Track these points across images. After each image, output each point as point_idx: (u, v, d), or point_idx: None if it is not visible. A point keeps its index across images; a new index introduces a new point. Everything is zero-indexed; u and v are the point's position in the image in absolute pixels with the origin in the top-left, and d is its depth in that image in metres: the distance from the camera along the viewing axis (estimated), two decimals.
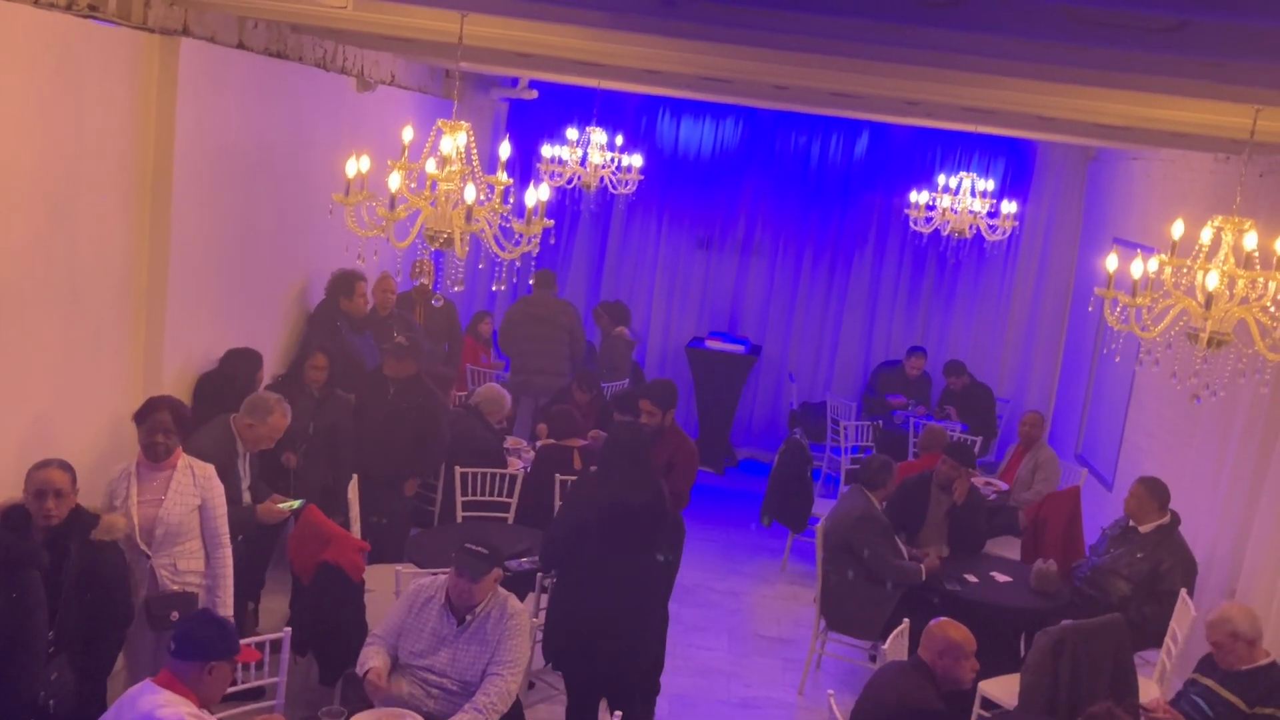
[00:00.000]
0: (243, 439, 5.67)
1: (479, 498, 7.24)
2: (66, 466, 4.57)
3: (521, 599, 5.52)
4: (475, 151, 4.62)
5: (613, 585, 5.18)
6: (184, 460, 5.11)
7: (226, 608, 5.18)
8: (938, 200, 9.24)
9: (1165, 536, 6.48)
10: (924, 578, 6.64)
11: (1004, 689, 5.94)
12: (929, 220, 9.28)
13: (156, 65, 5.67)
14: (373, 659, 4.69)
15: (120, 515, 4.83)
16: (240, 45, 6.39)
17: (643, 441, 5.64)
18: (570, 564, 5.34)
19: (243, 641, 4.70)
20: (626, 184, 9.62)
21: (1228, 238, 4.67)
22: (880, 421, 10.30)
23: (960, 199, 9.12)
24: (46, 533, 4.47)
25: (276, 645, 4.91)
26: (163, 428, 5.01)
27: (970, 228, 9.24)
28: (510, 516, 7.22)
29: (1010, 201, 9.51)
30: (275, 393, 5.97)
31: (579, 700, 5.50)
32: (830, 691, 4.98)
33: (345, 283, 7.62)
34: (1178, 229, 4.68)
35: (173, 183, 5.79)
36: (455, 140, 4.51)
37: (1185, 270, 4.69)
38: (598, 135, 9.32)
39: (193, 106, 5.86)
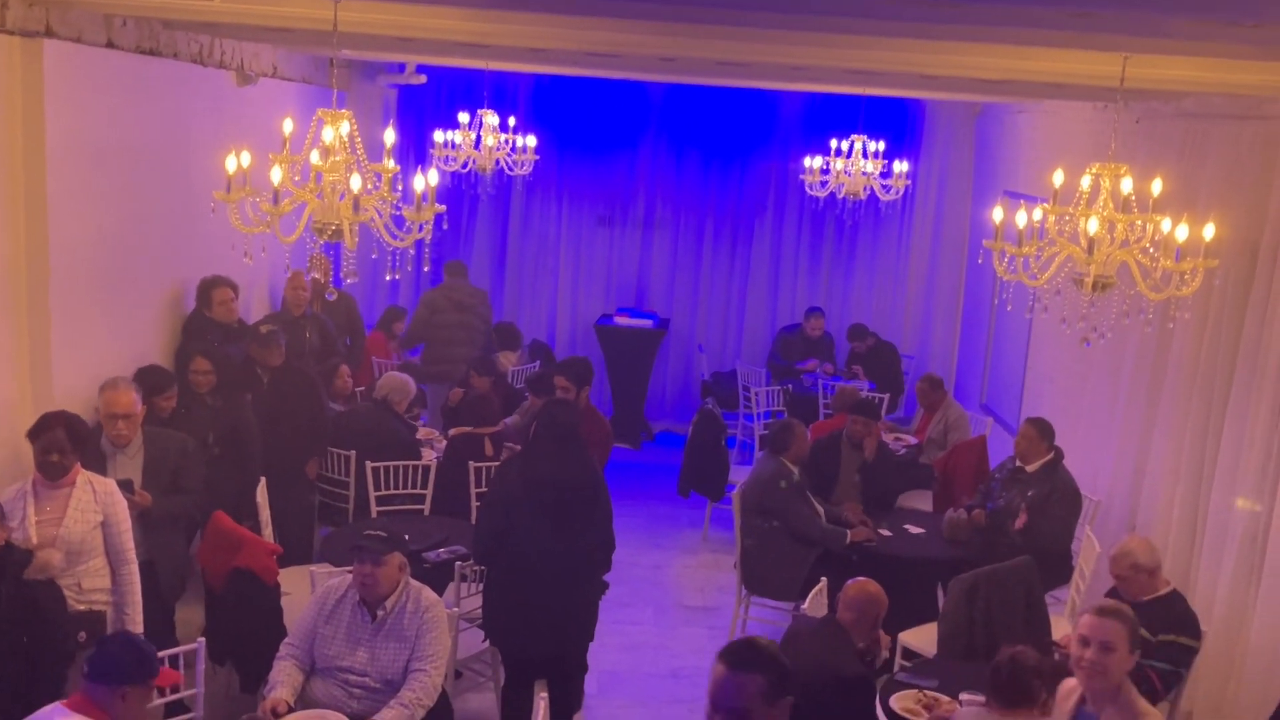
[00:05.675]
0: (106, 433, 5.43)
1: (393, 491, 7.16)
2: None
3: (442, 590, 5.49)
4: (360, 140, 4.53)
5: (549, 563, 5.19)
6: (83, 477, 4.94)
7: (136, 624, 5.03)
8: (831, 164, 9.34)
9: (1051, 471, 6.66)
10: (848, 542, 6.70)
11: (923, 638, 6.08)
12: (824, 184, 9.38)
13: (19, 69, 5.44)
14: (280, 687, 4.61)
15: (54, 551, 4.65)
16: (109, 44, 6.16)
17: (575, 418, 5.61)
18: (504, 546, 5.31)
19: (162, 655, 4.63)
20: (523, 165, 9.53)
21: (1105, 184, 4.81)
22: (790, 385, 10.44)
23: (853, 161, 9.22)
24: None
25: (192, 658, 4.80)
26: (58, 446, 4.83)
27: (865, 189, 9.35)
28: (426, 508, 7.15)
29: (902, 161, 9.65)
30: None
31: (516, 678, 5.51)
32: None
33: (203, 291, 7.20)
34: (1058, 178, 4.81)
35: (47, 190, 5.57)
36: (338, 129, 4.42)
37: (1068, 218, 4.83)
38: (490, 118, 9.19)
39: (63, 110, 5.64)
